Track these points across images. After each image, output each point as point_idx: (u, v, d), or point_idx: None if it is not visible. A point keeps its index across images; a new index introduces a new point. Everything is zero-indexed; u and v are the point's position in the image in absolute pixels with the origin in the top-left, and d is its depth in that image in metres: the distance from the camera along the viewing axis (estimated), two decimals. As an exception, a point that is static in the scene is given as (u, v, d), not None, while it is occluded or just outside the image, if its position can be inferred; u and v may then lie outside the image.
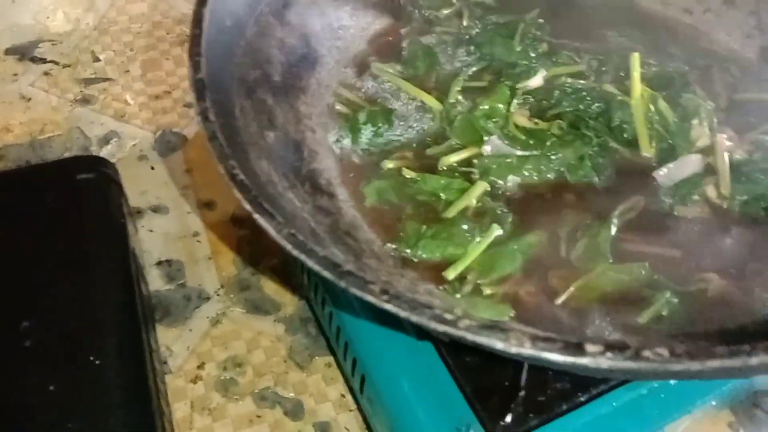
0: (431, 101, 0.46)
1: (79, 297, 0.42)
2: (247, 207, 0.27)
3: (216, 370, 0.49)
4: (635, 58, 0.44)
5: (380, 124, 0.45)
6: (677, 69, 0.49)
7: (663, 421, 0.41)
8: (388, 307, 0.25)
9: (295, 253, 0.26)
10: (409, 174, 0.41)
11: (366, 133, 0.44)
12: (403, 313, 0.24)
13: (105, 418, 0.38)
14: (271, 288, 0.53)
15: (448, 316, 0.24)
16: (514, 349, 0.23)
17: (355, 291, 0.25)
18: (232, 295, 0.53)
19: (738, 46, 0.53)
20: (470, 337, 0.24)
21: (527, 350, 0.23)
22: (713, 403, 0.47)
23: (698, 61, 0.51)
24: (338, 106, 0.45)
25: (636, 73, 0.43)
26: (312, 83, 0.45)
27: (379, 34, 0.51)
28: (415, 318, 0.24)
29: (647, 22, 0.54)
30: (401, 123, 0.45)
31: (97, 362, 0.39)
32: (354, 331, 0.42)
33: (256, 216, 0.27)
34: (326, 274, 0.26)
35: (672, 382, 0.40)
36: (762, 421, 0.50)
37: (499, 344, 0.23)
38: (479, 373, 0.38)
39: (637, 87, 0.43)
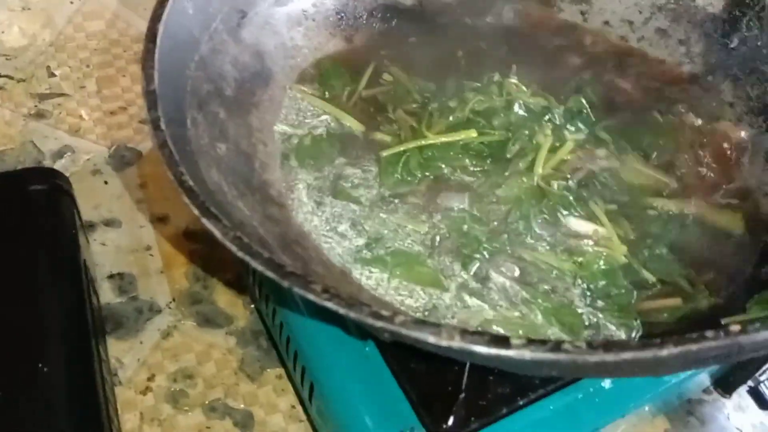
0: (352, 122, 0.47)
1: (28, 306, 0.43)
2: (195, 211, 0.28)
3: (166, 381, 0.49)
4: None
5: (325, 150, 0.46)
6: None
7: (598, 423, 0.43)
8: (329, 305, 0.26)
9: (240, 254, 0.27)
10: None
11: (311, 158, 0.45)
12: (342, 311, 0.26)
13: (53, 426, 0.38)
14: (223, 301, 0.54)
15: (385, 313, 0.26)
16: (444, 343, 0.25)
17: (298, 290, 0.26)
18: (183, 308, 0.53)
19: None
20: (404, 331, 0.25)
21: (457, 343, 0.25)
22: (647, 408, 0.49)
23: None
24: (283, 127, 0.47)
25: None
26: (264, 99, 0.46)
27: (332, 54, 0.53)
28: (353, 315, 0.26)
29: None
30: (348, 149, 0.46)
31: (46, 370, 0.39)
32: (303, 339, 0.43)
33: (204, 220, 0.28)
34: (270, 274, 0.27)
35: (606, 386, 0.42)
36: (695, 428, 0.53)
37: (431, 338, 0.25)
38: (423, 378, 0.39)
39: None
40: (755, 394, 0.52)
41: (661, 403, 0.50)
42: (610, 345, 0.25)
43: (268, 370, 0.51)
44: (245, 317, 0.53)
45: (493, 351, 0.25)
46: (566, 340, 0.25)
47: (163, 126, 0.31)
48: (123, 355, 0.51)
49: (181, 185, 0.29)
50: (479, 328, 0.36)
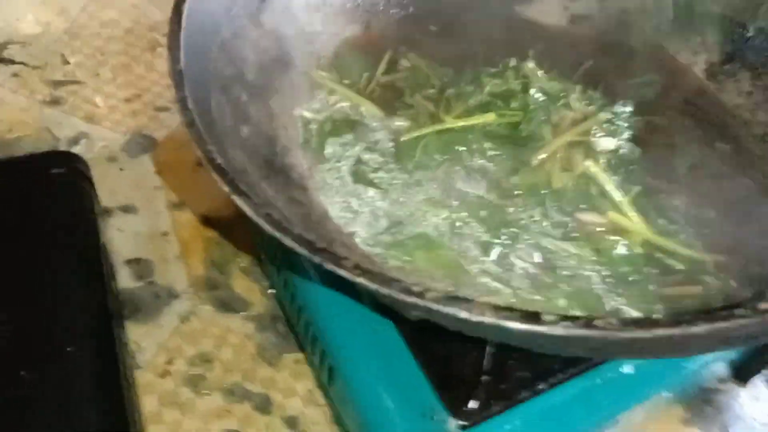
0: (370, 108, 0.47)
1: (50, 290, 0.43)
2: (225, 188, 0.29)
3: (185, 365, 0.50)
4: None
5: (344, 136, 0.46)
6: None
7: (617, 409, 0.43)
8: (361, 280, 0.26)
9: (271, 230, 0.27)
10: None
11: (332, 143, 0.45)
12: (373, 286, 0.26)
13: (77, 409, 0.38)
14: (240, 287, 0.54)
15: (416, 288, 0.26)
16: (476, 318, 0.25)
17: (330, 266, 0.26)
18: (201, 294, 0.54)
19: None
20: (436, 307, 0.25)
21: (489, 318, 0.25)
22: (664, 394, 0.49)
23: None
24: (304, 112, 0.47)
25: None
26: (285, 84, 0.46)
27: (350, 40, 0.53)
28: (385, 290, 0.26)
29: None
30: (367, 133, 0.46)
31: (69, 349, 0.39)
32: (322, 323, 0.43)
33: (234, 197, 0.28)
34: (301, 250, 0.27)
35: (626, 372, 0.42)
36: (712, 418, 0.53)
37: (462, 313, 0.25)
38: (443, 361, 0.39)
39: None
40: (771, 383, 0.52)
41: (678, 390, 0.50)
42: (642, 322, 0.25)
43: (286, 355, 0.51)
44: (262, 303, 0.53)
45: (526, 327, 0.25)
46: (598, 316, 0.25)
47: (190, 105, 0.31)
48: (141, 339, 0.51)
49: (210, 162, 0.29)
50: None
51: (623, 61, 0.55)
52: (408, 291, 0.26)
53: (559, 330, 0.25)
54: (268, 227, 0.28)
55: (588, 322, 0.25)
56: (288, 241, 0.27)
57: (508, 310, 0.25)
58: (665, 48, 0.57)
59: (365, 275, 0.26)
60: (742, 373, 0.54)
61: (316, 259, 0.26)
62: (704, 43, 0.57)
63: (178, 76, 0.33)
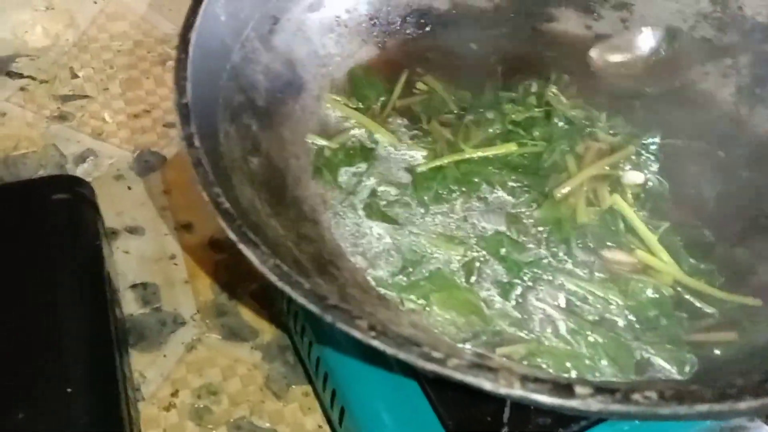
0: (386, 135, 0.45)
1: (51, 320, 0.41)
2: (232, 236, 0.27)
3: (190, 397, 0.48)
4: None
5: (358, 165, 0.44)
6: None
7: (643, 456, 0.41)
8: (375, 343, 0.24)
9: (280, 285, 0.26)
10: None
11: (344, 172, 0.43)
12: (390, 350, 0.24)
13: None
14: (248, 314, 0.52)
15: (436, 355, 0.24)
16: (503, 390, 0.23)
17: (342, 326, 0.25)
18: (208, 321, 0.52)
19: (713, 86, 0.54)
20: (458, 376, 0.23)
21: (516, 391, 0.23)
22: (691, 438, 0.47)
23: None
24: (316, 139, 0.45)
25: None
26: (296, 109, 0.45)
27: (365, 62, 0.51)
28: (402, 355, 0.24)
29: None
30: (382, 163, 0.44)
31: (68, 389, 0.38)
32: (334, 361, 0.41)
33: (241, 246, 0.27)
34: (312, 307, 0.25)
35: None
36: (737, 456, 0.51)
37: (487, 384, 0.23)
38: (461, 407, 0.37)
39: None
40: (800, 422, 0.50)
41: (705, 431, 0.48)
42: (683, 396, 0.23)
43: (294, 386, 0.49)
44: (271, 331, 0.52)
45: (556, 401, 0.23)
46: (636, 387, 0.23)
47: (197, 143, 0.30)
48: (146, 369, 0.49)
49: (217, 207, 0.28)
50: (525, 363, 0.34)
51: (648, 85, 0.53)
52: (428, 357, 0.24)
53: (594, 405, 0.23)
54: (276, 280, 0.26)
55: (626, 396, 0.23)
56: (298, 297, 0.25)
57: (538, 382, 0.23)
58: (693, 70, 0.55)
59: (380, 338, 0.24)
60: (770, 412, 0.52)
61: (328, 318, 0.25)
62: (735, 65, 0.55)
63: (184, 110, 0.31)
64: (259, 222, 0.33)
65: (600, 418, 0.38)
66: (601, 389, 0.23)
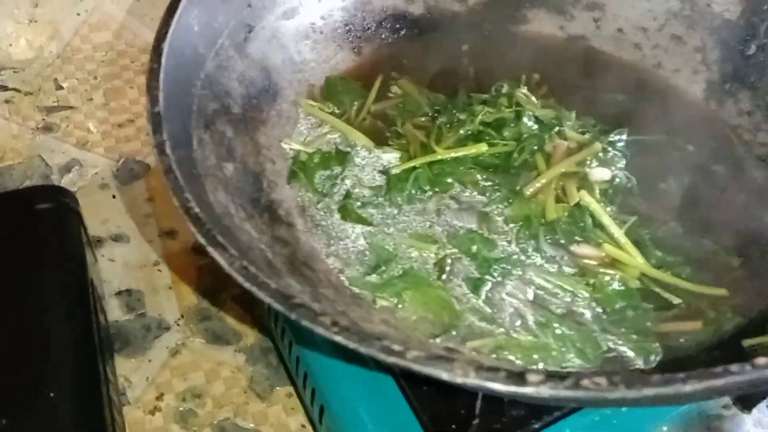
0: (360, 139, 0.46)
1: (35, 328, 0.42)
2: (201, 240, 0.28)
3: (175, 401, 0.49)
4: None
5: (333, 168, 0.45)
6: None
7: (616, 446, 0.42)
8: (338, 339, 0.25)
9: (247, 285, 0.27)
10: None
11: (320, 176, 0.44)
12: (352, 345, 0.25)
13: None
14: (232, 318, 0.53)
15: (396, 348, 0.25)
16: (459, 379, 0.24)
17: (306, 323, 0.26)
18: (192, 325, 0.53)
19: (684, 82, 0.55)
20: (417, 367, 0.24)
21: (471, 380, 0.24)
22: (665, 429, 0.48)
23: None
24: (292, 144, 0.46)
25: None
26: (272, 115, 0.46)
27: (340, 67, 0.52)
28: (363, 349, 0.25)
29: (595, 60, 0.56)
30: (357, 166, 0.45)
31: (52, 395, 0.38)
32: (313, 361, 0.42)
33: (210, 249, 0.28)
34: (278, 306, 0.26)
35: (623, 408, 0.41)
36: (716, 445, 0.52)
37: (444, 374, 0.24)
38: (436, 401, 0.38)
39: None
40: (776, 410, 0.51)
41: (681, 419, 0.49)
42: (631, 381, 0.24)
43: (278, 388, 0.50)
44: (254, 334, 0.53)
45: (510, 388, 0.24)
46: (586, 374, 0.24)
47: (168, 150, 0.31)
48: (131, 374, 0.50)
49: (187, 212, 0.29)
50: (493, 356, 0.35)
51: (620, 83, 0.54)
52: (388, 350, 0.25)
53: (545, 391, 0.24)
54: (243, 281, 0.27)
55: (575, 383, 0.24)
56: (264, 297, 0.26)
57: (491, 370, 0.24)
58: (663, 67, 0.56)
59: (343, 333, 0.25)
60: (746, 401, 0.53)
61: (293, 316, 0.26)
62: (704, 61, 0.56)
63: (156, 119, 0.32)
64: (232, 226, 0.34)
65: (573, 409, 0.40)
66: (552, 376, 0.24)
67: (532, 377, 0.24)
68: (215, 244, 0.28)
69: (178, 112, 0.35)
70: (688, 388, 0.24)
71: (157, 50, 0.35)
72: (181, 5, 0.38)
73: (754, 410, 0.53)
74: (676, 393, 0.24)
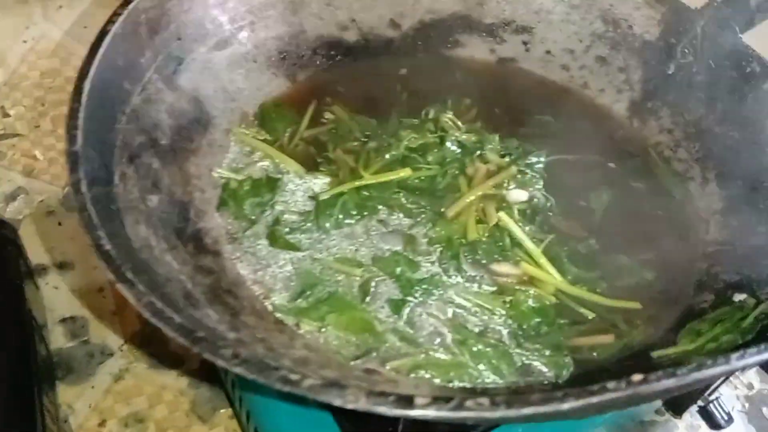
0: (291, 165, 0.47)
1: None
2: (109, 276, 0.29)
3: (117, 426, 0.50)
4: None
5: (264, 195, 0.45)
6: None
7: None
8: (238, 370, 0.26)
9: (153, 320, 0.28)
10: None
11: (250, 203, 0.45)
12: (251, 376, 0.26)
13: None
14: (175, 343, 0.54)
15: (293, 377, 0.26)
16: (350, 405, 0.25)
17: (208, 356, 0.27)
18: (135, 350, 0.54)
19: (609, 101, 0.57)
20: (312, 395, 0.26)
21: (362, 405, 0.25)
22: (599, 432, 0.50)
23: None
24: (223, 172, 0.47)
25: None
26: (203, 145, 0.47)
27: (275, 94, 0.53)
28: (263, 380, 0.26)
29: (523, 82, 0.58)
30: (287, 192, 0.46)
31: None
32: (247, 387, 0.43)
33: (118, 285, 0.29)
34: (181, 340, 0.27)
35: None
36: (650, 450, 0.54)
37: (337, 400, 0.25)
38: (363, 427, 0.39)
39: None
40: (705, 414, 0.53)
41: (614, 427, 0.51)
42: (511, 401, 0.25)
43: (221, 411, 0.51)
44: (197, 357, 0.53)
45: (398, 411, 0.25)
46: (469, 395, 0.25)
47: (84, 189, 0.32)
48: (74, 401, 0.51)
49: (97, 249, 0.30)
50: (412, 376, 0.37)
51: (548, 104, 0.56)
52: (285, 380, 0.26)
53: (431, 413, 0.25)
54: (149, 316, 0.28)
55: (459, 404, 0.25)
56: (168, 331, 0.27)
57: (381, 396, 0.25)
58: (589, 87, 0.59)
59: (242, 365, 0.26)
60: (676, 406, 0.55)
61: (195, 350, 0.27)
62: (628, 81, 0.58)
63: (73, 158, 0.33)
64: (150, 259, 0.35)
65: (494, 425, 0.41)
66: (438, 398, 0.25)
67: (419, 400, 0.25)
68: (124, 280, 0.29)
69: (99, 149, 0.36)
70: (566, 406, 0.26)
71: (78, 89, 0.36)
72: (105, 43, 0.39)
73: (686, 414, 0.55)
74: (555, 411, 0.26)
